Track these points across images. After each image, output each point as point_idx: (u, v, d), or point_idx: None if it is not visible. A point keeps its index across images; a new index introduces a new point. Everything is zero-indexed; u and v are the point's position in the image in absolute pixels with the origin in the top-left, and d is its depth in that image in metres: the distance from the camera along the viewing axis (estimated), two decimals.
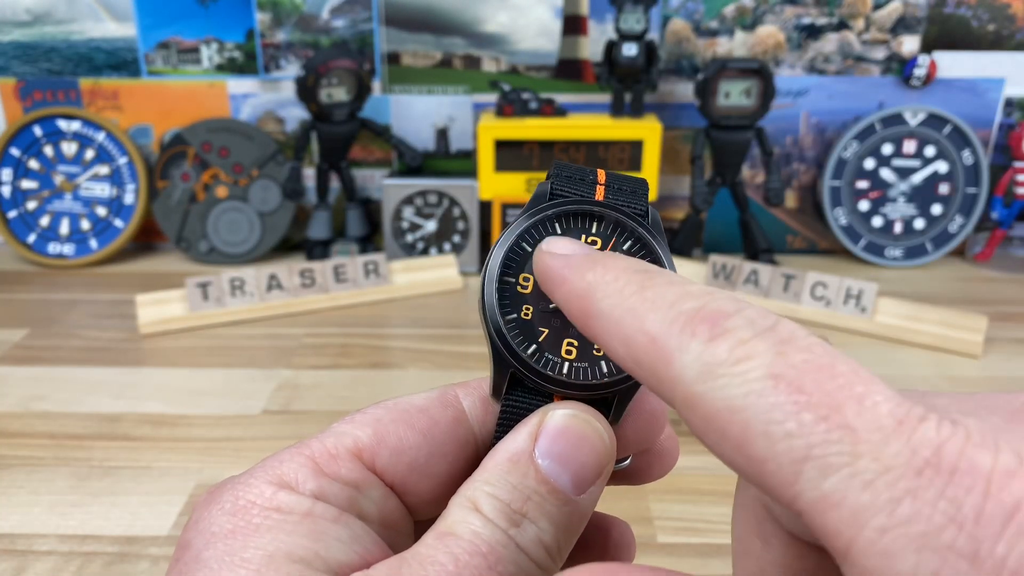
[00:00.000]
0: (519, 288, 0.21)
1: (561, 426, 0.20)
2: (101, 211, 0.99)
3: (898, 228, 0.97)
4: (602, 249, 0.21)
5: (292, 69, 0.97)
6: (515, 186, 0.91)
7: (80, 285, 0.91)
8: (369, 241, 0.99)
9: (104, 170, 0.98)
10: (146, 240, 1.03)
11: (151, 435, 0.61)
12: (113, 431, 0.62)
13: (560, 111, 0.91)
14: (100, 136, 0.97)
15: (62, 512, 0.52)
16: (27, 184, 0.98)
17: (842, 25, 0.93)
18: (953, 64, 0.93)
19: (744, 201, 0.93)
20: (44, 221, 0.98)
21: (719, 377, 0.14)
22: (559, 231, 0.22)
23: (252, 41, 0.96)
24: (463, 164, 1.00)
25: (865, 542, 0.12)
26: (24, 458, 0.58)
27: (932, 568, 0.12)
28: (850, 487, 0.13)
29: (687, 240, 0.95)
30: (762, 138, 0.89)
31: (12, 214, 0.98)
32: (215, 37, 0.96)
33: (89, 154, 0.98)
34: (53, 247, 0.98)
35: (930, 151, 0.94)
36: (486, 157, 0.90)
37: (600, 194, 0.22)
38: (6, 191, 0.98)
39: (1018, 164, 0.93)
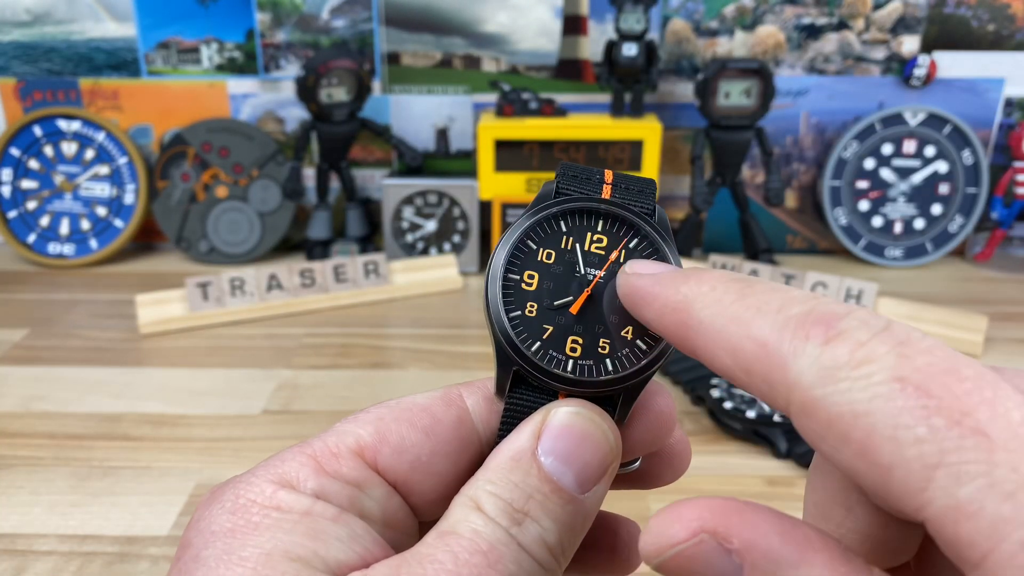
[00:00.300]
0: (523, 285, 0.21)
1: (564, 423, 0.20)
2: (101, 211, 0.98)
3: (898, 228, 0.97)
4: (608, 247, 0.21)
5: (292, 69, 0.97)
6: (515, 186, 0.91)
7: (80, 285, 0.91)
8: (369, 241, 0.99)
9: (104, 170, 0.98)
10: (146, 240, 1.03)
11: (151, 435, 0.61)
12: (113, 431, 0.61)
13: (560, 111, 0.91)
14: (100, 136, 0.97)
15: (62, 512, 0.52)
16: (27, 184, 0.98)
17: (842, 25, 0.93)
18: (953, 64, 0.93)
19: (744, 201, 0.93)
20: (44, 221, 0.98)
21: (840, 381, 0.14)
22: (563, 228, 0.22)
23: (252, 41, 0.96)
24: (463, 164, 1.00)
25: (1004, 555, 0.12)
26: (24, 458, 0.58)
27: None
28: (988, 498, 0.12)
29: (687, 240, 0.95)
30: (762, 138, 0.89)
31: (12, 214, 0.98)
32: (215, 37, 0.96)
33: (89, 154, 0.98)
34: (53, 247, 0.98)
35: (930, 151, 0.94)
36: (486, 157, 0.90)
37: (607, 193, 0.22)
38: (6, 191, 0.98)
39: (1018, 164, 0.93)
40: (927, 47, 0.93)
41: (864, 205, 0.96)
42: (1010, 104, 0.95)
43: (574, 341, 0.21)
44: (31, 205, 0.98)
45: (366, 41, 0.95)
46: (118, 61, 0.97)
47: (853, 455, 0.14)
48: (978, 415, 0.13)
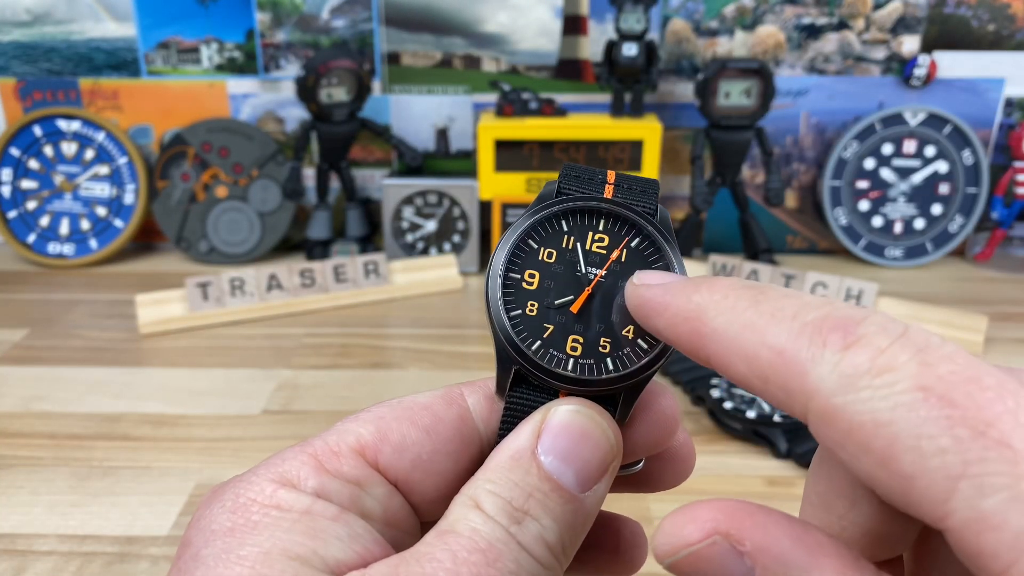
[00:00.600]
0: (524, 284, 0.21)
1: (564, 422, 0.20)
2: (101, 211, 0.98)
3: (898, 228, 0.97)
4: (610, 247, 0.21)
5: (292, 69, 0.97)
6: (515, 186, 0.91)
7: (80, 285, 0.91)
8: (369, 241, 0.99)
9: (104, 170, 0.98)
10: (146, 240, 1.03)
11: (151, 435, 0.61)
12: (113, 431, 0.61)
13: (560, 111, 0.91)
14: (100, 136, 0.97)
15: (62, 512, 0.52)
16: (27, 184, 0.98)
17: (842, 25, 0.93)
18: (953, 64, 0.93)
19: (744, 201, 0.93)
20: (44, 221, 0.98)
21: (861, 389, 0.14)
22: (565, 228, 0.22)
23: (252, 41, 0.96)
24: (463, 164, 1.00)
25: None
26: (24, 458, 0.58)
27: None
28: (1012, 510, 0.12)
29: (687, 240, 0.95)
30: (762, 138, 0.89)
31: (12, 214, 0.98)
32: (215, 37, 0.96)
33: (89, 154, 0.98)
34: (53, 247, 0.98)
35: (930, 151, 0.94)
36: (486, 157, 0.90)
37: (609, 193, 0.22)
38: (6, 191, 0.98)
39: (1018, 164, 0.93)
40: (927, 47, 0.93)
41: (864, 205, 0.96)
42: (1010, 104, 0.95)
43: (575, 340, 0.21)
44: (31, 205, 0.98)
45: (366, 41, 0.95)
46: (118, 61, 0.97)
47: (874, 464, 0.14)
48: (1002, 426, 0.13)
